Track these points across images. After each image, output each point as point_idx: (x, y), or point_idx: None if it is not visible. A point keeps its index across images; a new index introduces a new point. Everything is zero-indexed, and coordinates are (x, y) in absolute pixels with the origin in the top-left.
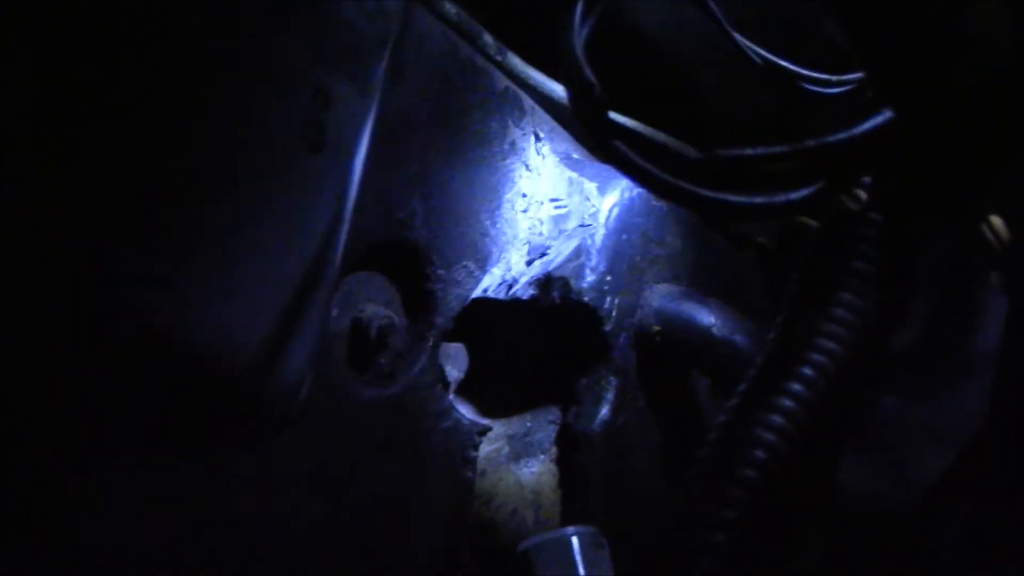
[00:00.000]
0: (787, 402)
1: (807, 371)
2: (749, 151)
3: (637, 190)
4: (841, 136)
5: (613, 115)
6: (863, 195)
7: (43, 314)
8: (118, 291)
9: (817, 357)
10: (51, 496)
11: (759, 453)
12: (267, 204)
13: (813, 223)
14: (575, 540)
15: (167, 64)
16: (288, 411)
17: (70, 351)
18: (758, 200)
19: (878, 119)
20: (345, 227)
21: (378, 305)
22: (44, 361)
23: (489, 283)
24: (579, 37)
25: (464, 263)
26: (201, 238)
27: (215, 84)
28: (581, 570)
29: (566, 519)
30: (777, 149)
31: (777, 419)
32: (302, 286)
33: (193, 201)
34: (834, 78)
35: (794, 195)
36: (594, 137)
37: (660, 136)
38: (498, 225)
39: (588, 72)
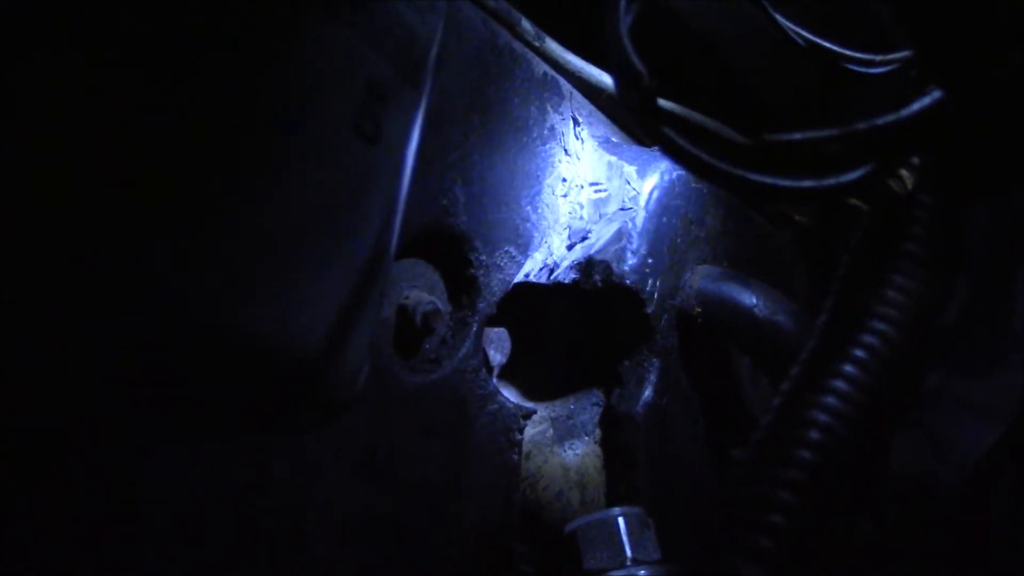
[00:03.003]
0: (841, 384)
1: (860, 353)
2: (798, 135)
3: (676, 172)
4: (891, 118)
5: (661, 102)
6: (908, 176)
7: (114, 306)
8: (188, 284)
9: (870, 339)
10: (116, 478)
11: (814, 434)
12: (327, 196)
13: (862, 206)
14: (622, 520)
15: (224, 57)
16: (348, 398)
17: (139, 341)
18: (807, 183)
19: (926, 100)
20: (399, 217)
21: (422, 291)
22: (115, 351)
23: (531, 268)
24: (624, 24)
25: (506, 248)
26: (264, 229)
27: (272, 78)
28: (628, 550)
29: (611, 500)
30: (826, 132)
31: (831, 400)
32: (362, 276)
33: (256, 194)
34: (877, 58)
35: (844, 178)
36: (643, 125)
37: (708, 121)
38: (539, 210)
39: (636, 60)
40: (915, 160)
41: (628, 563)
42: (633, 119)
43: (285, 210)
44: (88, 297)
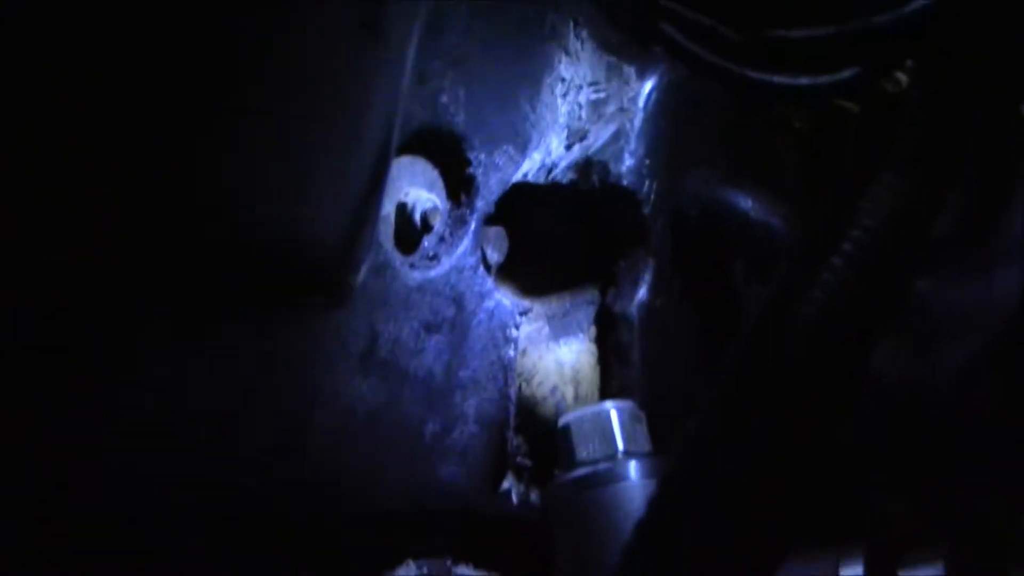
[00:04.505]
0: (827, 275)
1: (847, 247)
2: (794, 32)
3: (675, 74)
4: (886, 17)
5: None
6: (903, 78)
7: (132, 201)
8: (200, 178)
9: (857, 233)
10: (122, 366)
11: (802, 329)
12: (332, 89)
13: (853, 107)
14: (614, 413)
15: None
16: (351, 286)
17: (155, 233)
18: (803, 81)
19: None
20: (399, 112)
21: (421, 189)
22: (134, 240)
23: (529, 168)
24: None
25: (504, 147)
26: (271, 122)
27: None
28: (620, 442)
29: (605, 396)
30: (822, 30)
31: (819, 295)
32: (364, 169)
33: (263, 88)
34: None
35: (839, 76)
36: (642, 21)
37: (706, 19)
38: (538, 110)
39: None
40: (911, 63)
41: (619, 455)
42: (633, 16)
43: (291, 101)
44: (120, 196)
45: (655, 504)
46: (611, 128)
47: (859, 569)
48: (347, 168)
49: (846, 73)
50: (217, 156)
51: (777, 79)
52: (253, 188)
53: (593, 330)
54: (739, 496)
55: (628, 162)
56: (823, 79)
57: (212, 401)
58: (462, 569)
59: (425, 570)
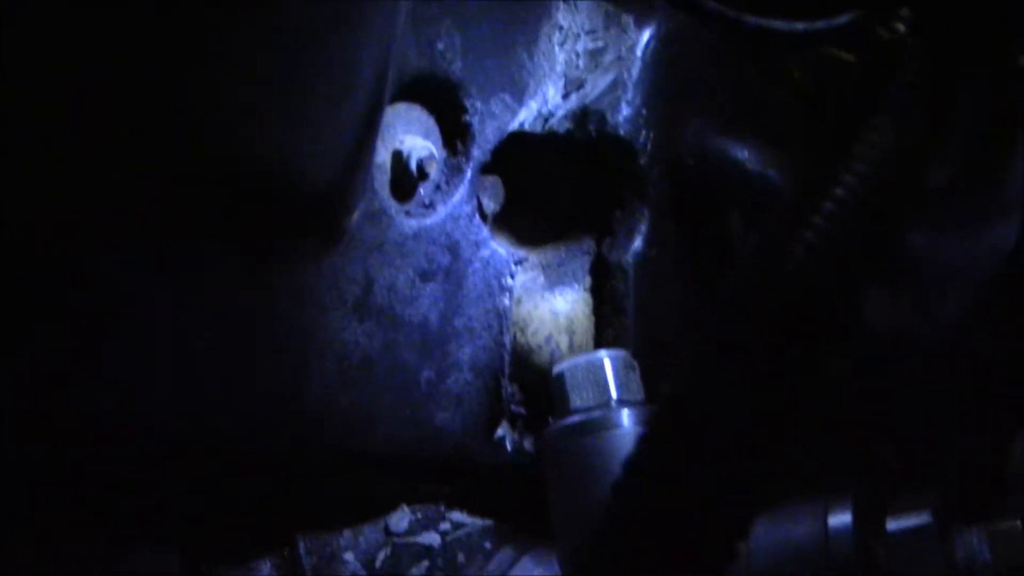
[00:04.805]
0: (818, 220)
1: (838, 191)
2: None
3: (674, 23)
4: None
5: None
6: (900, 27)
7: (128, 133)
8: (198, 117)
9: (848, 177)
10: (121, 306)
11: (791, 268)
12: (323, 29)
13: (849, 57)
14: (608, 361)
15: None
16: (344, 231)
17: (151, 168)
18: (799, 27)
19: None
20: (394, 55)
21: (417, 136)
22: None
23: (526, 117)
24: None
25: (501, 95)
26: (263, 57)
27: None
28: (613, 391)
29: (599, 345)
30: None
31: (809, 235)
32: (357, 110)
33: (255, 26)
34: None
35: (834, 22)
36: None
37: None
38: (535, 58)
39: None
40: (907, 11)
41: (613, 403)
42: None
43: (283, 37)
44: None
45: (645, 442)
46: (608, 77)
47: (847, 517)
48: (339, 108)
49: (842, 19)
50: (209, 87)
51: (774, 24)
52: (245, 123)
53: (588, 280)
54: (728, 436)
55: (625, 112)
56: (819, 25)
57: (206, 344)
58: (456, 515)
59: (419, 516)
